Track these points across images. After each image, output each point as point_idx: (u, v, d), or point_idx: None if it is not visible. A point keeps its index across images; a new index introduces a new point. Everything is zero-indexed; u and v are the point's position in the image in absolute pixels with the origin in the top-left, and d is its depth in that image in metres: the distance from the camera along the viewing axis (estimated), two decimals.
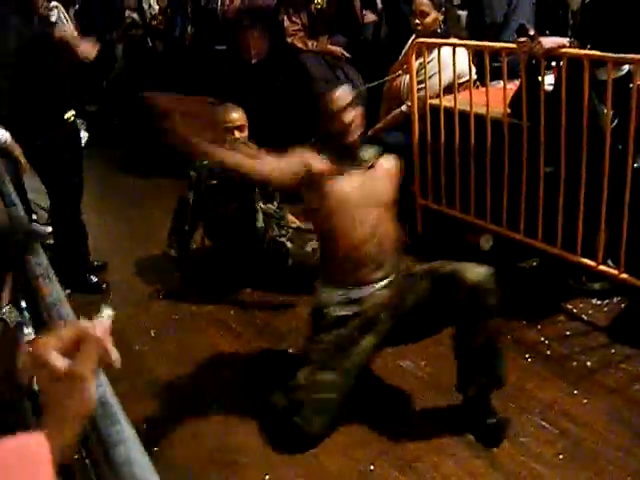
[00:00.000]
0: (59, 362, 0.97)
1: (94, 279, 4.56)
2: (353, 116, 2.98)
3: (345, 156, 3.04)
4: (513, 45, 3.83)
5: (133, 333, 3.97)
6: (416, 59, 4.47)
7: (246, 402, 3.30)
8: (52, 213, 4.70)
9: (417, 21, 4.68)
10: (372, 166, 3.11)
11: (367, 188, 3.06)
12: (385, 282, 3.08)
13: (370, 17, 5.72)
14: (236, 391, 3.41)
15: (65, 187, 4.32)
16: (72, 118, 4.29)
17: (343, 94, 3.02)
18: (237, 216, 4.28)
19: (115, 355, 1.01)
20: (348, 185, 3.03)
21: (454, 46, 4.24)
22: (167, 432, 3.14)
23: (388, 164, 3.19)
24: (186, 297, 4.33)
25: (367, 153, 3.13)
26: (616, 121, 3.59)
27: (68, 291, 4.31)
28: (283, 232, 4.36)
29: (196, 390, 3.45)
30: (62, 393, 0.97)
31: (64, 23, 4.13)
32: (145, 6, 8.28)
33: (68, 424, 0.98)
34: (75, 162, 4.38)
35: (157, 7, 8.05)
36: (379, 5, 5.84)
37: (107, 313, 1.03)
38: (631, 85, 3.49)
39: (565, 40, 3.61)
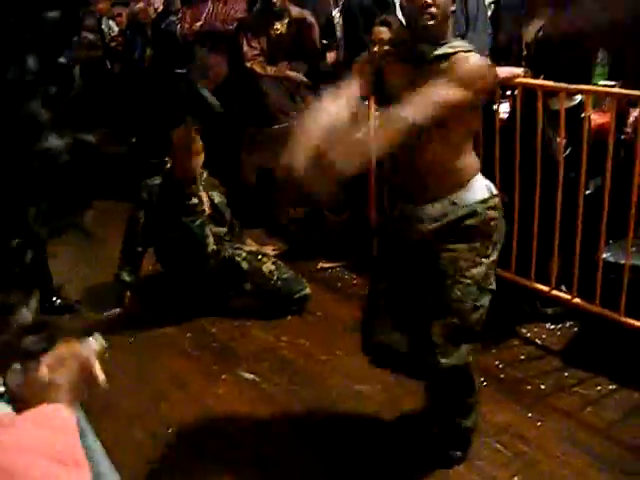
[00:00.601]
0: (44, 370, 1.11)
1: (59, 301, 4.51)
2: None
3: (407, 45, 2.67)
4: None
5: None
6: None
7: (204, 426, 3.30)
8: None
9: (375, 49, 4.74)
10: (431, 62, 2.57)
11: (413, 87, 2.53)
12: (427, 208, 2.74)
13: (331, 56, 5.80)
14: (192, 415, 3.40)
15: None
16: None
17: None
18: (185, 240, 4.25)
19: (101, 375, 1.14)
20: (392, 78, 2.68)
21: None
22: (126, 457, 3.11)
23: (462, 65, 2.55)
24: (141, 321, 4.30)
25: (436, 48, 2.58)
26: (569, 150, 3.67)
27: None
28: (237, 252, 4.34)
29: (151, 414, 3.43)
30: (38, 398, 1.09)
31: None
32: (104, 28, 8.26)
33: None
34: None
35: (116, 29, 8.04)
36: (338, 33, 5.91)
37: (98, 339, 1.16)
38: (583, 115, 3.59)
39: (520, 70, 3.69)
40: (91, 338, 1.18)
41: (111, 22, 8.13)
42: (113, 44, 7.80)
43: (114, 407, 3.47)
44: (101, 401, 3.49)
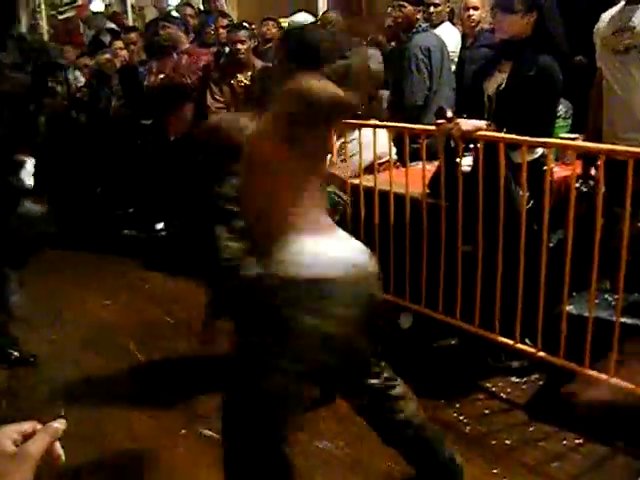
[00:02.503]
0: (8, 443, 1.08)
1: (15, 353, 4.42)
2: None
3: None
4: (432, 127, 3.92)
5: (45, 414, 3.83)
6: (337, 139, 4.53)
7: None
8: None
9: None
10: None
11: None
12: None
13: None
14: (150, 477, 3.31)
15: None
16: None
17: None
18: None
19: (61, 451, 1.12)
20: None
21: (375, 127, 4.31)
22: None
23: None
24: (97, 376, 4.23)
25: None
26: (532, 202, 3.68)
27: None
28: None
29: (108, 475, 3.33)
30: (3, 471, 1.05)
31: None
32: (70, 78, 8.25)
33: None
34: None
35: (82, 79, 8.04)
36: None
37: (60, 422, 1.13)
38: (545, 167, 3.60)
39: (482, 123, 3.71)
40: (56, 421, 1.14)
41: (77, 72, 8.13)
42: (79, 94, 7.79)
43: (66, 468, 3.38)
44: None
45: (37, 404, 3.94)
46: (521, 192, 3.64)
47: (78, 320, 5.06)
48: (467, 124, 3.71)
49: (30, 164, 4.44)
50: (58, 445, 1.12)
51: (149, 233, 6.86)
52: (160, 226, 6.84)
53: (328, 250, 2.27)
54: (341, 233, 2.38)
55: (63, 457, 1.13)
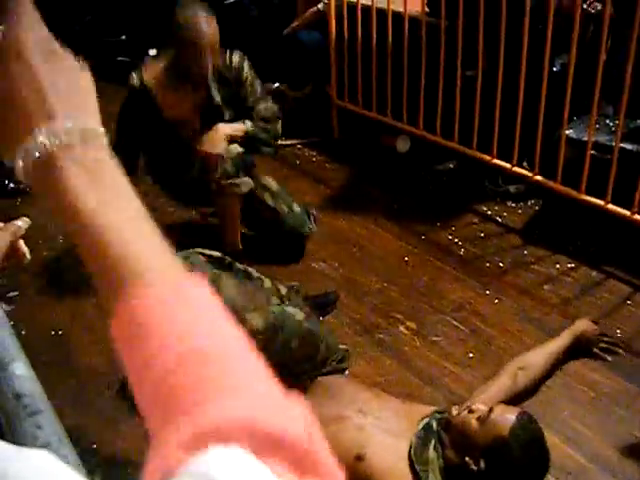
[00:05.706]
0: None
1: (11, 184, 4.37)
2: None
3: None
4: None
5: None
6: None
7: None
8: None
9: None
10: None
11: None
12: None
13: None
14: None
15: None
16: None
17: None
18: None
19: (25, 248, 1.16)
20: None
21: None
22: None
23: None
24: None
25: None
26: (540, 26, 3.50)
27: None
28: None
29: None
30: None
31: None
32: None
33: None
34: None
35: None
36: None
37: (23, 221, 1.16)
38: None
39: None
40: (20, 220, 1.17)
41: None
42: None
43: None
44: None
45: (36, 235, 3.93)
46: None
47: None
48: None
49: None
50: (22, 243, 1.14)
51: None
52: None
53: None
54: None
55: (28, 255, 1.15)
